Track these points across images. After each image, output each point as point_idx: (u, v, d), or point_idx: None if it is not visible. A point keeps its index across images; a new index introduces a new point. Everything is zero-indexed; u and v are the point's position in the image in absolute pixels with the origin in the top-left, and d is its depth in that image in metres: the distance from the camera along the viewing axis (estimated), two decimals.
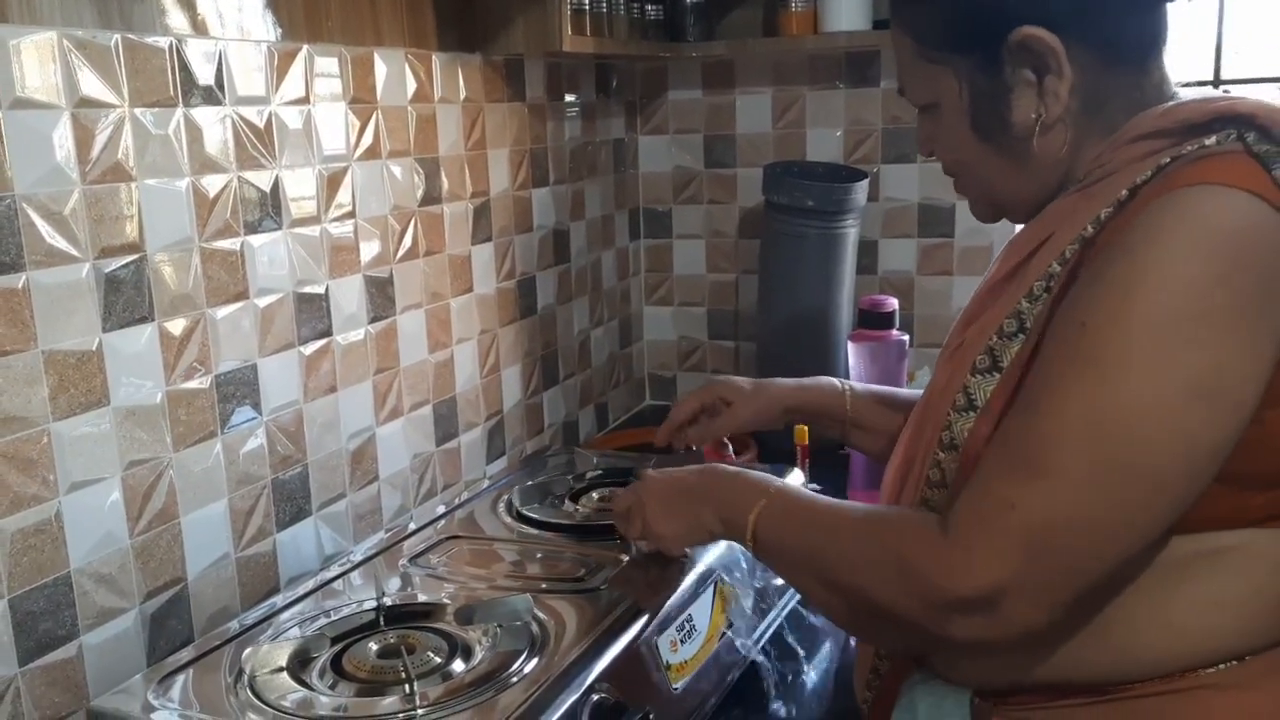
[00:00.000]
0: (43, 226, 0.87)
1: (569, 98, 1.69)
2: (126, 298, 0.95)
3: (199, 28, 1.01)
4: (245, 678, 0.82)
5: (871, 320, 1.49)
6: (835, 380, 1.12)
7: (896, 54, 0.83)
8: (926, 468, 0.77)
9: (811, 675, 1.05)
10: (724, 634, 0.99)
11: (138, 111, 0.95)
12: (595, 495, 1.21)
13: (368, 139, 1.24)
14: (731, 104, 1.88)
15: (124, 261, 0.94)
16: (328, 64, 1.17)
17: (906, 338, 1.50)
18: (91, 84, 0.90)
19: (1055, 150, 0.77)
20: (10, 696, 0.87)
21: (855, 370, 1.49)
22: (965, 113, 0.79)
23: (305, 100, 1.14)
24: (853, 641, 1.15)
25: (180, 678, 0.84)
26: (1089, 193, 0.75)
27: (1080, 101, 0.75)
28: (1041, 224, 0.78)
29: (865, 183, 1.69)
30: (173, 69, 0.98)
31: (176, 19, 0.99)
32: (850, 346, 1.50)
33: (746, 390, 1.12)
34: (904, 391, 1.14)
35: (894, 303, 1.48)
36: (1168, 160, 0.70)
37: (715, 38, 1.81)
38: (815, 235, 1.66)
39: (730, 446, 1.57)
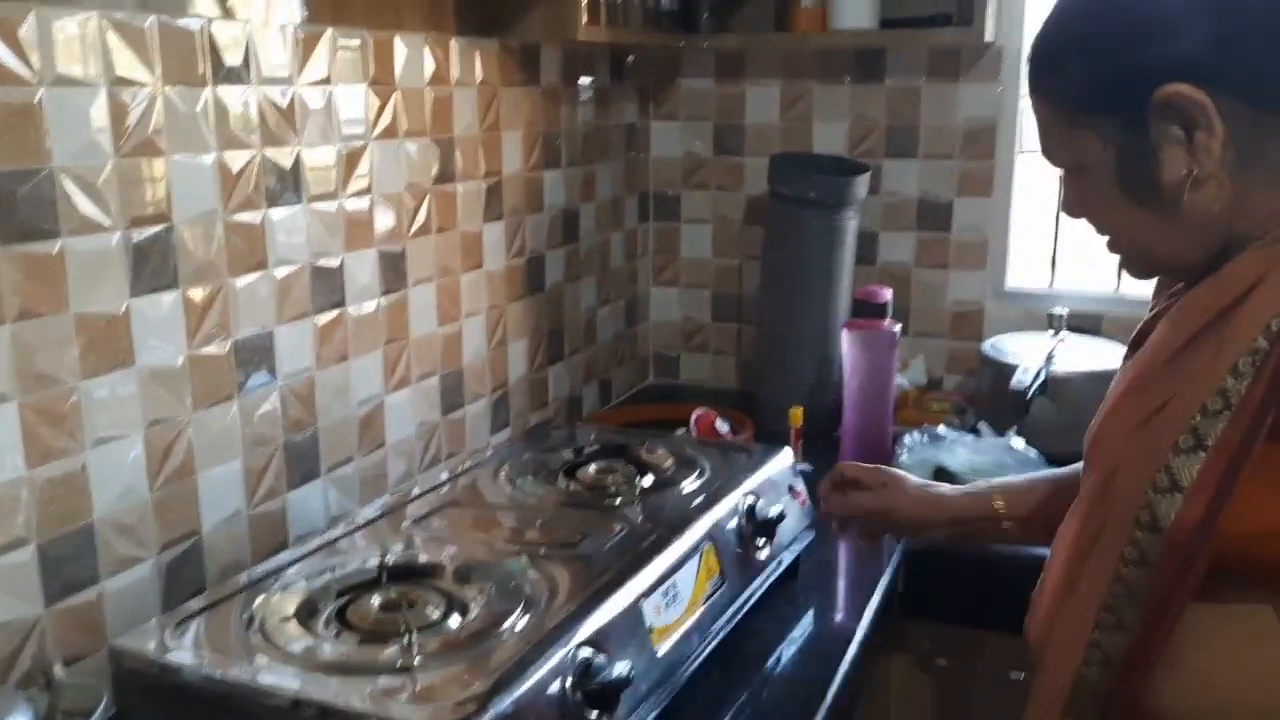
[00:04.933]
0: (77, 196, 0.93)
1: (583, 82, 1.74)
2: (153, 265, 1.00)
3: (228, 11, 1.06)
4: (255, 623, 0.88)
5: (865, 310, 1.53)
6: (981, 482, 1.11)
7: (1036, 118, 0.82)
8: (1121, 545, 0.76)
9: (790, 648, 1.11)
10: (708, 600, 1.04)
11: (169, 90, 1.00)
12: (592, 469, 1.26)
13: (386, 119, 1.29)
14: (742, 95, 1.92)
15: (152, 231, 1.00)
16: (350, 46, 1.22)
17: (899, 328, 1.55)
18: (127, 63, 0.96)
19: (1210, 207, 0.76)
20: (36, 635, 0.93)
21: (848, 358, 1.54)
22: (1113, 175, 0.78)
23: (327, 81, 1.19)
24: (837, 617, 1.20)
25: (194, 623, 0.90)
26: (1274, 254, 0.74)
27: (1235, 154, 0.74)
28: (1221, 287, 0.75)
29: (867, 176, 1.73)
30: (203, 50, 1.03)
31: (206, 3, 1.03)
32: (844, 334, 1.55)
33: (910, 483, 1.12)
34: (1043, 474, 1.10)
35: (888, 294, 1.53)
36: None
37: (727, 30, 1.85)
38: (817, 226, 1.71)
39: (729, 425, 1.63)
